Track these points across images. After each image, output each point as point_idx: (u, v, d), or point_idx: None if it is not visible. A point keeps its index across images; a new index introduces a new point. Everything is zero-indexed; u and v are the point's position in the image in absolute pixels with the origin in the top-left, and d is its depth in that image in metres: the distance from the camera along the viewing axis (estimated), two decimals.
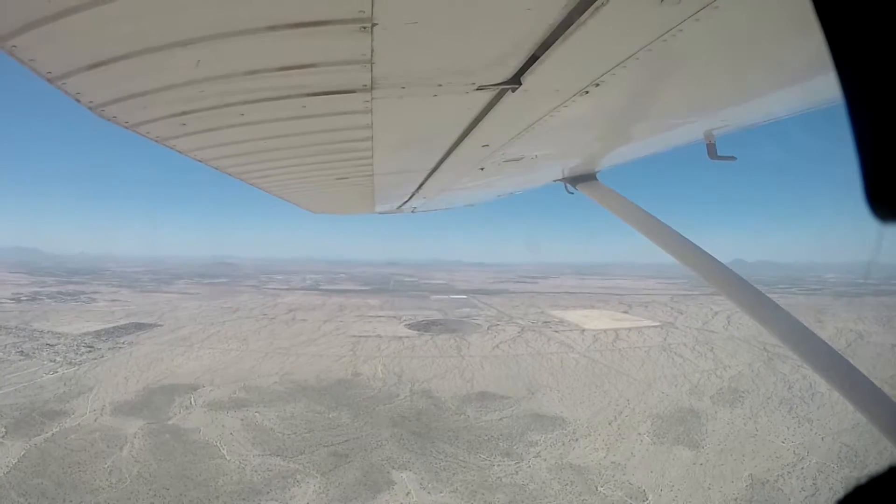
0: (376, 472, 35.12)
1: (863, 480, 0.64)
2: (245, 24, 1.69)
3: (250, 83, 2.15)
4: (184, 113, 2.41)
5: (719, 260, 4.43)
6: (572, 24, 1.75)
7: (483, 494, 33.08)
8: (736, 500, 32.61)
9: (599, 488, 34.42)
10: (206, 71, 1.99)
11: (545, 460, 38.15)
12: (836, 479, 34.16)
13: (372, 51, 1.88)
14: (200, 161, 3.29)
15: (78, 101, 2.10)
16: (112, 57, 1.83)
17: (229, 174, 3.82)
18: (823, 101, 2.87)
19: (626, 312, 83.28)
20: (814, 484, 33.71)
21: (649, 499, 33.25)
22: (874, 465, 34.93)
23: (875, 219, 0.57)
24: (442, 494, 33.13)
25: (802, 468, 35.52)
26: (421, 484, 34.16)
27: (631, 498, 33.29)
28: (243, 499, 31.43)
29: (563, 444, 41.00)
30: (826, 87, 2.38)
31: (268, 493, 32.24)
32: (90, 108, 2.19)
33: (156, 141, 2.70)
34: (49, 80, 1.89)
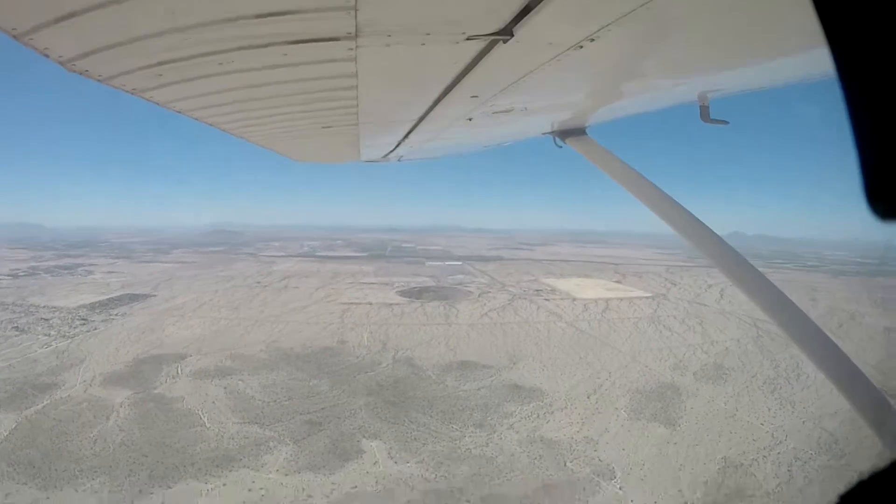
0: (347, 441, 36.25)
1: (865, 475, 0.63)
2: None
3: (229, 31, 2.08)
4: (160, 63, 2.35)
5: (708, 226, 4.34)
6: None
7: (448, 466, 33.92)
8: (706, 482, 32.40)
9: (568, 464, 34.85)
10: (182, 19, 1.93)
11: (517, 433, 38.74)
12: (812, 466, 33.68)
13: None
14: (180, 112, 3.24)
15: (47, 56, 2.04)
16: (81, 8, 1.76)
17: (210, 124, 3.80)
18: (825, 73, 2.77)
19: (619, 282, 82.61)
20: (788, 471, 33.31)
21: (617, 476, 33.46)
22: (853, 454, 34.64)
23: (874, 216, 0.57)
24: (408, 465, 34.10)
25: (779, 453, 35.15)
26: (389, 453, 35.19)
27: (598, 475, 33.55)
28: (217, 465, 32.91)
29: (538, 416, 41.51)
30: (827, 59, 2.12)
31: (241, 459, 33.69)
32: (60, 63, 2.13)
33: (132, 93, 2.66)
34: (15, 37, 1.84)
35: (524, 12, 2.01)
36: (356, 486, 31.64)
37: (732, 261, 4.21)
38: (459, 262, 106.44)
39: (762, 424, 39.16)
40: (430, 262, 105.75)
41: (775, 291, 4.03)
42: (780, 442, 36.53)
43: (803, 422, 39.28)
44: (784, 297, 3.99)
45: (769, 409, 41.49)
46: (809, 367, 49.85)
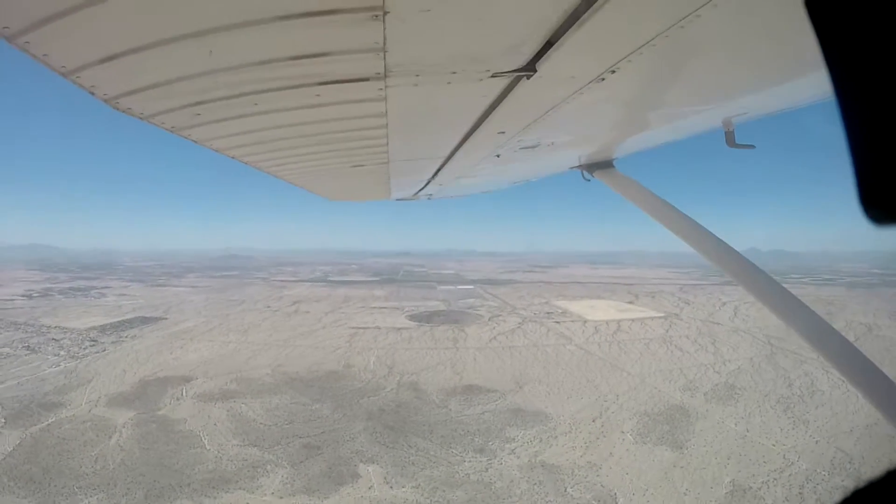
0: (343, 465, 35.77)
1: (862, 484, 0.63)
2: (256, 15, 1.73)
3: (263, 73, 2.19)
4: (198, 103, 2.46)
5: (737, 250, 4.36)
6: (588, 9, 1.75)
7: (444, 491, 33.04)
8: None
9: (568, 489, 33.56)
10: (219, 61, 2.03)
11: (519, 458, 37.67)
12: (825, 488, 31.73)
13: (385, 39, 1.90)
14: (216, 150, 3.36)
15: (92, 94, 2.15)
16: (125, 50, 1.87)
17: (245, 163, 3.91)
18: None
19: (631, 303, 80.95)
20: (800, 493, 31.43)
21: (619, 502, 32.06)
22: (868, 473, 32.67)
23: (869, 222, 0.58)
24: (404, 490, 33.35)
25: (790, 475, 33.29)
26: (385, 478, 34.50)
27: (599, 501, 32.18)
28: (213, 486, 32.80)
29: (541, 441, 40.34)
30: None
31: (237, 482, 33.50)
32: (105, 101, 2.24)
33: (171, 131, 2.76)
34: (63, 75, 1.94)
35: (546, 48, 2.07)
36: None
37: (761, 282, 4.16)
38: (471, 286, 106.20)
39: (774, 445, 37.24)
40: (442, 286, 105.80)
41: (805, 309, 4.02)
42: (792, 463, 34.65)
43: (817, 441, 37.30)
44: (814, 313, 3.99)
45: (781, 430, 39.53)
46: (824, 384, 47.87)
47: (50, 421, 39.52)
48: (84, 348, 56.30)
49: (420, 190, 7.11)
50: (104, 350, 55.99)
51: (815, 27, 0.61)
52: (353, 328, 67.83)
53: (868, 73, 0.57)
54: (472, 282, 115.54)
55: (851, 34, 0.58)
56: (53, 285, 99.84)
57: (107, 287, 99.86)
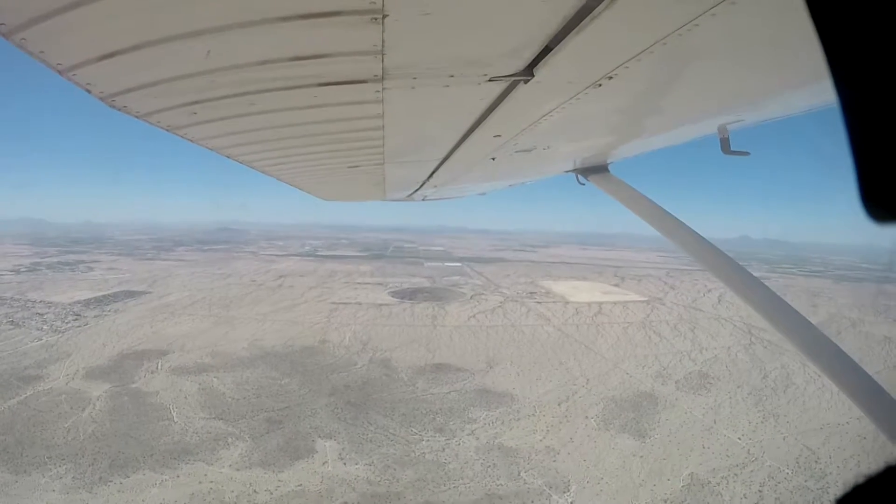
0: (301, 440, 36.78)
1: (861, 480, 0.63)
2: (256, 16, 1.73)
3: (261, 73, 2.20)
4: (194, 102, 2.46)
5: (730, 256, 4.50)
6: (587, 16, 1.76)
7: (395, 470, 33.82)
8: (665, 501, 30.68)
9: (522, 474, 33.87)
10: (217, 61, 2.03)
11: (477, 439, 38.23)
12: (787, 487, 31.35)
13: (383, 42, 1.91)
14: (211, 149, 3.37)
15: (88, 91, 2.15)
16: (122, 48, 1.87)
17: (240, 162, 3.94)
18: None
19: (616, 286, 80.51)
20: (759, 492, 31.20)
21: (571, 490, 32.22)
22: (834, 475, 32.26)
23: (870, 220, 0.57)
24: (357, 466, 34.24)
25: (752, 471, 33.09)
26: (340, 454, 35.47)
27: (550, 488, 32.41)
28: (175, 458, 34.22)
29: (503, 422, 40.80)
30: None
31: (198, 453, 34.85)
32: (101, 99, 2.25)
33: (167, 130, 2.78)
34: (59, 72, 1.95)
35: (544, 53, 2.07)
36: (301, 485, 32.03)
37: (752, 287, 4.25)
38: (458, 264, 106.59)
39: (739, 439, 37.09)
40: (429, 263, 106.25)
41: (797, 316, 4.10)
42: (756, 459, 34.47)
43: (784, 437, 37.01)
44: (805, 320, 4.07)
45: (750, 423, 39.28)
46: (799, 378, 47.21)
47: (28, 393, 40.98)
48: (67, 322, 57.62)
49: (415, 191, 7.18)
50: (86, 324, 57.39)
51: (813, 18, 0.60)
52: (334, 303, 68.49)
53: (869, 67, 0.56)
54: (460, 259, 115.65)
55: (853, 26, 0.56)
56: (42, 260, 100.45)
57: (95, 261, 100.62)
